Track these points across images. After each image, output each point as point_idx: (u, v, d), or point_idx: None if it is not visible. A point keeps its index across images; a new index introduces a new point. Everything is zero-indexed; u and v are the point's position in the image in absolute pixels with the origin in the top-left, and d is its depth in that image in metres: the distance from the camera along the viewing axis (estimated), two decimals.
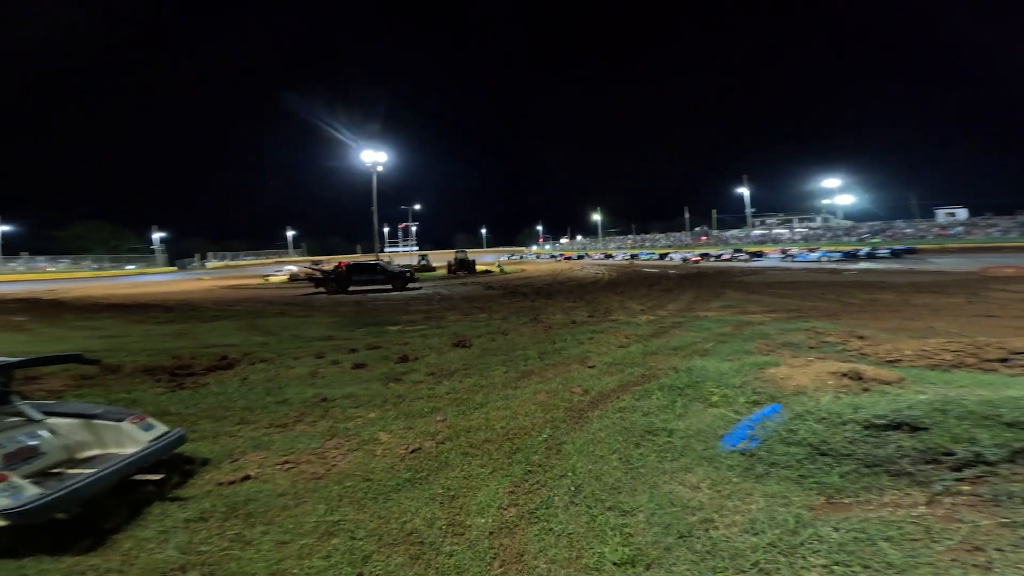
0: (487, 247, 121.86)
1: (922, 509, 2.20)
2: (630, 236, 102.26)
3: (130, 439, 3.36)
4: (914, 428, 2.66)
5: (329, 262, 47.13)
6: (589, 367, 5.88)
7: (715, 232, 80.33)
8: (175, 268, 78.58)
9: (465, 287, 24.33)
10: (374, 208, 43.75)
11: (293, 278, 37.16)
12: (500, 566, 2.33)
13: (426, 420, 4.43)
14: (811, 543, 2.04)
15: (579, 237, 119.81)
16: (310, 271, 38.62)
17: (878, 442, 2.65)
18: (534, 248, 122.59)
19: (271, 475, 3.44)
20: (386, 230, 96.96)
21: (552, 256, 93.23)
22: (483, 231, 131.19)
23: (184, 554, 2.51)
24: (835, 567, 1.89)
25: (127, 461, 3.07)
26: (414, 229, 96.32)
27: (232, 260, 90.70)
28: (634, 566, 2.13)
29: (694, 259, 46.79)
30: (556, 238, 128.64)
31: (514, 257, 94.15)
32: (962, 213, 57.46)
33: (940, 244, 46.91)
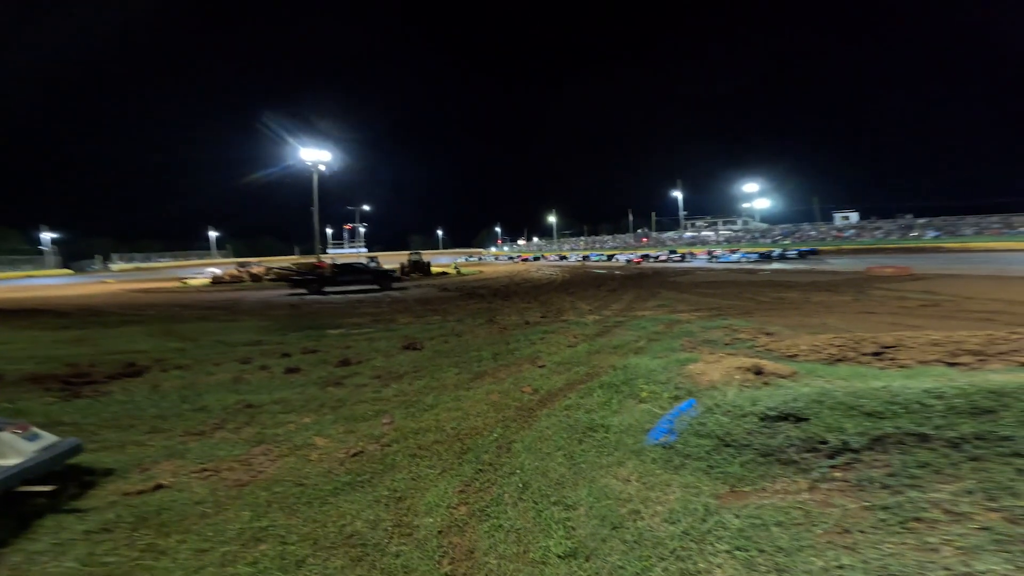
0: (444, 248, 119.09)
1: (805, 495, 2.38)
2: (582, 238, 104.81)
3: (11, 450, 2.94)
4: (798, 419, 2.87)
5: (259, 264, 44.27)
6: (539, 367, 5.96)
7: (654, 234, 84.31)
8: (70, 271, 69.88)
9: (419, 289, 23.66)
10: (314, 208, 41.66)
11: (217, 281, 34.33)
12: (450, 564, 2.31)
13: (370, 423, 4.28)
14: (716, 530, 2.19)
15: (535, 239, 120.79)
16: (238, 273, 36.09)
17: (771, 433, 2.84)
18: (492, 250, 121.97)
19: (187, 483, 3.22)
20: (329, 231, 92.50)
21: (510, 258, 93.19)
22: (439, 232, 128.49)
23: (85, 566, 2.36)
24: (736, 552, 2.03)
25: (7, 474, 2.74)
26: (362, 229, 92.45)
27: (143, 262, 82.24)
28: (576, 558, 2.20)
29: (636, 260, 48.88)
30: (514, 240, 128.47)
31: (472, 259, 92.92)
32: (854, 217, 64.14)
33: (837, 246, 52.01)
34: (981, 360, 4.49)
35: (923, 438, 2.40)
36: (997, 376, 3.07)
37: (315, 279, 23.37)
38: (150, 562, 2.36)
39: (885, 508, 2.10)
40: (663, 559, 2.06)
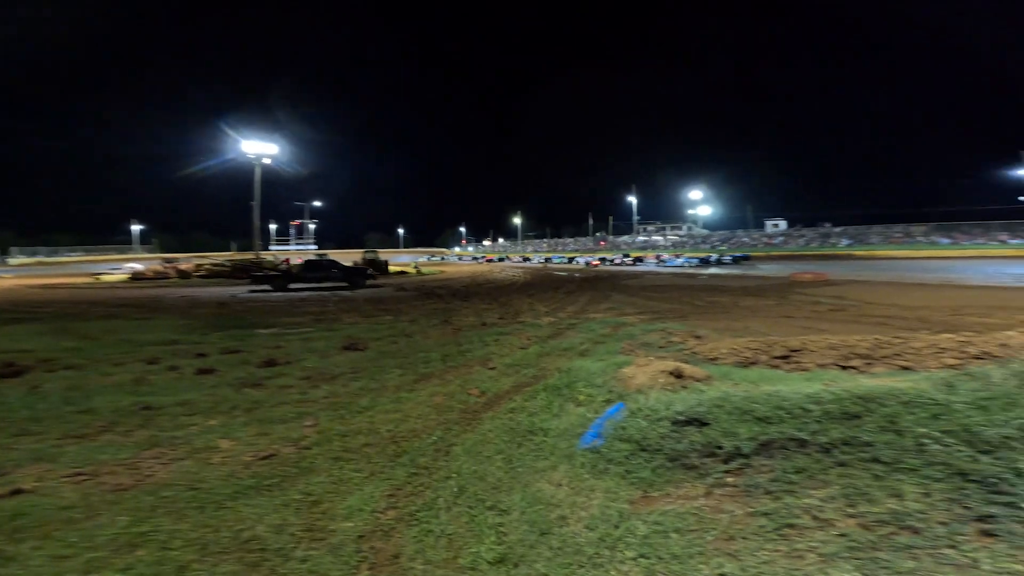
0: (405, 248, 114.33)
1: (701, 501, 2.37)
2: (546, 240, 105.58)
3: None
4: (701, 424, 2.89)
5: (189, 260, 40.87)
6: (490, 369, 5.79)
7: (611, 237, 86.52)
8: None
9: (373, 289, 22.45)
10: (255, 203, 39.31)
11: (137, 277, 31.28)
12: (369, 569, 2.14)
13: (289, 426, 3.99)
14: (626, 536, 2.17)
15: (501, 240, 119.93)
16: (163, 269, 33.15)
17: (679, 437, 2.84)
18: (456, 250, 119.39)
19: (54, 488, 2.85)
20: (273, 227, 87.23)
21: (475, 258, 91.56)
22: (400, 231, 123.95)
23: None
24: (640, 559, 2.01)
25: None
26: (312, 226, 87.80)
27: (48, 256, 73.77)
28: (504, 564, 2.12)
29: (594, 263, 49.71)
30: (479, 240, 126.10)
31: (434, 259, 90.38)
32: (783, 224, 69.17)
33: (767, 252, 55.79)
34: (868, 363, 4.74)
35: (801, 443, 2.43)
36: (869, 381, 3.19)
37: (279, 275, 22.04)
38: None
39: (766, 514, 2.10)
40: (582, 566, 2.04)
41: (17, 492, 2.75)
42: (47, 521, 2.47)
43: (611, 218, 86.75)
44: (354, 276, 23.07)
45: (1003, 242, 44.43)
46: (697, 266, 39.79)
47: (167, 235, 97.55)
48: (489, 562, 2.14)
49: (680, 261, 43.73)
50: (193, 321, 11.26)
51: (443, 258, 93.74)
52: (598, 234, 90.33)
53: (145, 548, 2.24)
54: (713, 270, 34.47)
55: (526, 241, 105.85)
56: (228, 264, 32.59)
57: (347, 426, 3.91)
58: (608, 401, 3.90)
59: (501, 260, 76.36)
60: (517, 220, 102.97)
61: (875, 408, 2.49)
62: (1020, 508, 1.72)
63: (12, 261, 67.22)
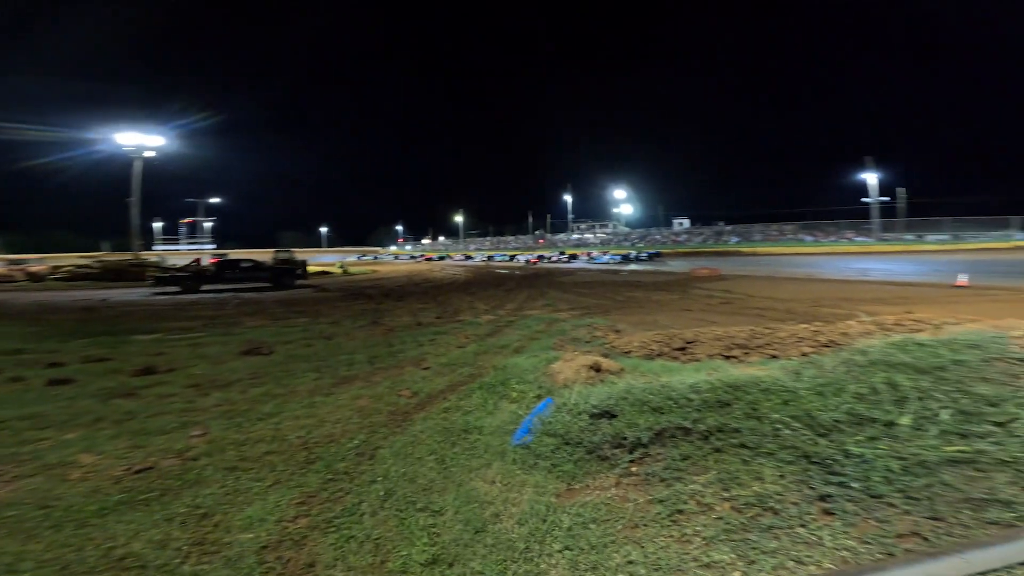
0: (329, 247, 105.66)
1: (612, 491, 2.45)
2: (488, 238, 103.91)
3: None
4: (611, 416, 3.01)
5: (42, 261, 34.41)
6: (424, 369, 5.48)
7: (549, 235, 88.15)
8: None
9: (287, 291, 20.14)
10: (132, 199, 34.41)
11: None
12: None
13: (170, 437, 3.47)
14: (553, 530, 2.19)
15: (441, 238, 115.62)
16: (7, 272, 27.54)
17: (594, 430, 2.94)
18: (392, 248, 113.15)
19: None
20: (158, 225, 76.52)
21: (412, 257, 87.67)
22: (323, 229, 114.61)
23: None
24: (565, 551, 2.04)
25: None
26: (208, 224, 78.11)
27: None
28: (438, 564, 2.02)
29: (533, 261, 50.33)
30: (417, 238, 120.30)
31: (366, 258, 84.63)
32: (687, 223, 75.23)
33: (674, 249, 60.46)
34: (746, 352, 5.20)
35: (686, 431, 2.59)
36: (738, 370, 3.50)
37: (190, 276, 19.27)
38: None
39: (661, 501, 2.21)
40: (515, 561, 2.00)
41: None
42: None
43: (549, 217, 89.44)
44: (282, 276, 21.07)
45: (850, 239, 52.99)
46: (620, 263, 41.92)
47: (16, 234, 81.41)
48: (421, 564, 1.98)
49: (607, 258, 45.85)
50: (45, 328, 9.40)
51: (376, 257, 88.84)
52: (537, 232, 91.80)
53: None
54: (633, 266, 36.47)
55: (468, 239, 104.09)
56: (97, 265, 27.99)
57: (245, 434, 3.47)
58: (539, 397, 3.90)
59: (442, 259, 74.41)
60: (459, 218, 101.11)
61: (741, 396, 2.71)
62: (851, 487, 1.90)
63: None
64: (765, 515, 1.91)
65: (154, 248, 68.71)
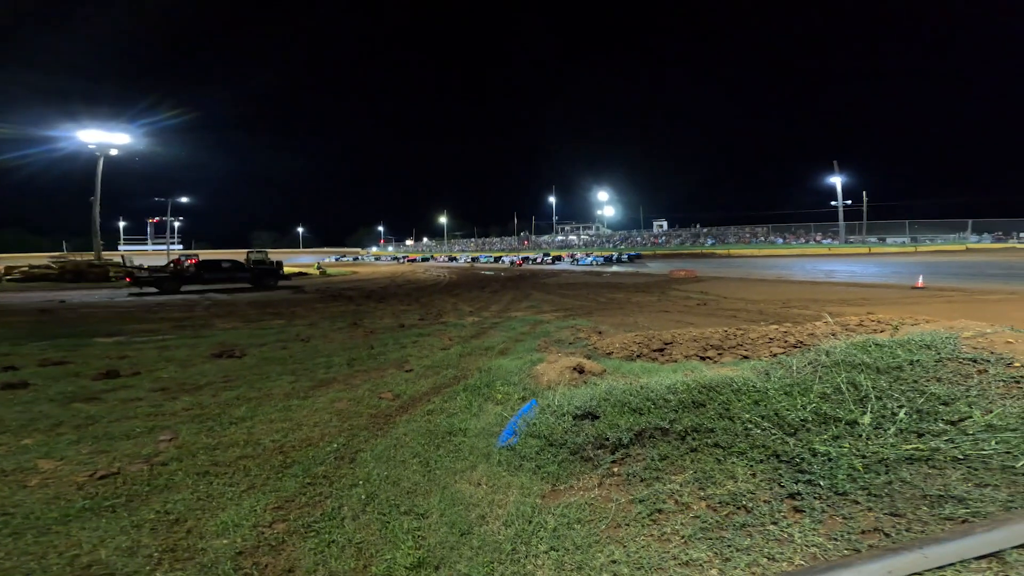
0: (306, 248, 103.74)
1: (596, 491, 2.47)
2: (472, 240, 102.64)
3: None
4: (594, 417, 3.06)
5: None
6: (407, 371, 5.38)
7: (533, 237, 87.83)
8: None
9: (262, 292, 19.66)
10: (95, 198, 32.81)
11: None
12: None
13: (137, 442, 3.32)
14: (538, 531, 2.19)
15: (425, 239, 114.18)
16: None
17: (578, 431, 2.97)
18: (374, 249, 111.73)
19: None
20: (122, 224, 73.00)
21: (395, 258, 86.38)
22: (300, 230, 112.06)
23: None
24: (551, 551, 2.05)
25: None
26: (176, 224, 74.77)
27: None
28: (424, 567, 1.99)
29: (518, 262, 50.14)
30: (401, 240, 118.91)
31: (345, 259, 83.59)
32: (665, 225, 76.53)
33: (654, 251, 61.26)
34: (719, 353, 5.33)
35: (664, 432, 2.65)
36: (711, 371, 3.60)
37: (169, 276, 18.75)
38: None
39: (641, 501, 2.24)
40: (502, 563, 2.00)
41: None
42: None
43: (534, 218, 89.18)
44: (263, 277, 20.87)
45: (819, 242, 54.89)
46: (602, 264, 42.23)
47: None
48: (407, 567, 1.94)
49: (590, 260, 45.87)
50: (4, 329, 8.86)
51: (357, 258, 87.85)
52: (522, 234, 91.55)
53: None
54: (615, 268, 36.65)
55: (453, 241, 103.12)
56: (55, 266, 26.59)
57: (216, 439, 3.35)
58: (523, 399, 3.90)
59: (425, 260, 73.71)
60: (443, 219, 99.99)
61: (715, 396, 2.79)
62: (818, 485, 1.96)
63: None
64: (739, 513, 1.95)
65: (119, 248, 65.73)
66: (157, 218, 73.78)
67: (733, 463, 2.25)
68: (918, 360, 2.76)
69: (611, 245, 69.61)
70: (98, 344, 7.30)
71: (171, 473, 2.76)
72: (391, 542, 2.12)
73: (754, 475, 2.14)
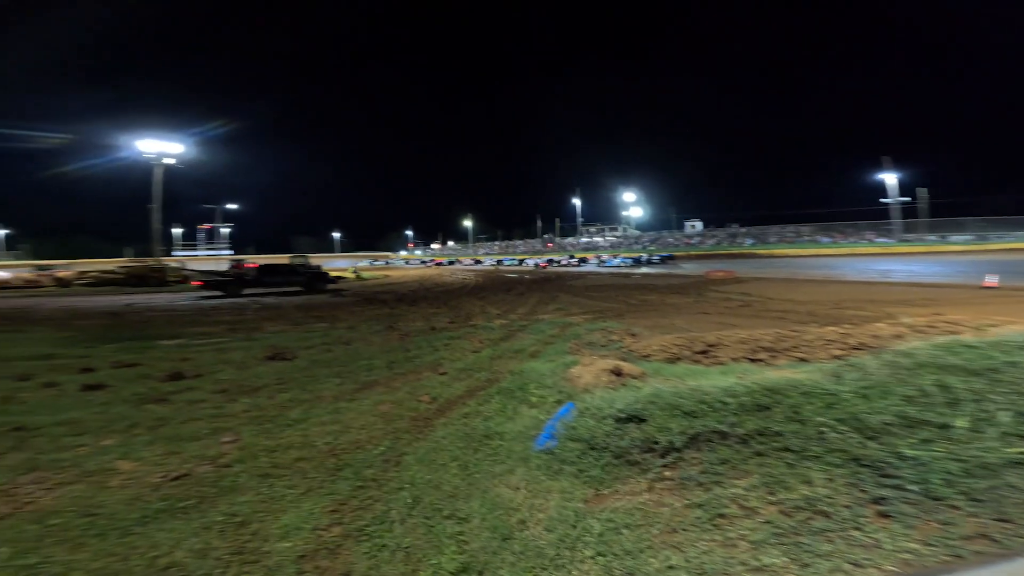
0: (342, 252, 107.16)
1: (645, 496, 2.43)
2: (497, 243, 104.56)
3: None
4: (640, 420, 2.98)
5: (69, 267, 35.56)
6: (441, 374, 5.52)
7: (558, 239, 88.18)
8: None
9: (306, 296, 20.71)
10: (152, 206, 35.31)
11: (2, 286, 26.67)
12: None
13: (203, 443, 3.53)
14: (584, 536, 2.18)
15: (451, 243, 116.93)
16: (35, 277, 28.57)
17: (621, 434, 2.91)
18: (403, 253, 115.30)
19: None
20: (177, 231, 78.28)
21: (423, 262, 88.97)
22: (335, 234, 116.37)
23: None
24: (598, 557, 2.02)
25: None
26: (225, 230, 79.61)
27: None
28: (468, 573, 2.03)
29: (543, 265, 50.61)
30: (427, 244, 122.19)
31: (378, 263, 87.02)
32: (699, 225, 74.78)
33: (687, 251, 60.10)
34: (772, 356, 5.15)
35: (723, 435, 2.56)
36: (773, 374, 3.45)
37: (232, 280, 20.27)
38: None
39: (700, 505, 2.19)
40: (545, 568, 1.99)
41: None
42: None
43: (558, 220, 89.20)
44: (314, 281, 22.09)
45: (871, 240, 51.82)
46: (631, 266, 41.78)
47: (42, 240, 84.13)
48: (451, 573, 2.00)
49: (617, 261, 45.61)
50: (76, 333, 9.69)
51: (387, 262, 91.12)
52: (546, 236, 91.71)
53: None
54: (644, 269, 36.22)
55: (477, 244, 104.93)
56: (121, 271, 28.80)
57: (275, 441, 3.53)
58: (559, 402, 3.90)
59: (451, 263, 75.21)
60: (468, 223, 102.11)
61: (781, 399, 2.67)
62: (908, 490, 1.88)
63: None
64: (816, 518, 1.89)
65: (173, 254, 70.29)
66: (208, 224, 78.28)
67: (807, 467, 2.18)
68: (1017, 361, 2.57)
69: (639, 246, 68.32)
70: (162, 347, 7.90)
71: (235, 475, 2.93)
72: (436, 547, 2.18)
73: (831, 480, 2.07)
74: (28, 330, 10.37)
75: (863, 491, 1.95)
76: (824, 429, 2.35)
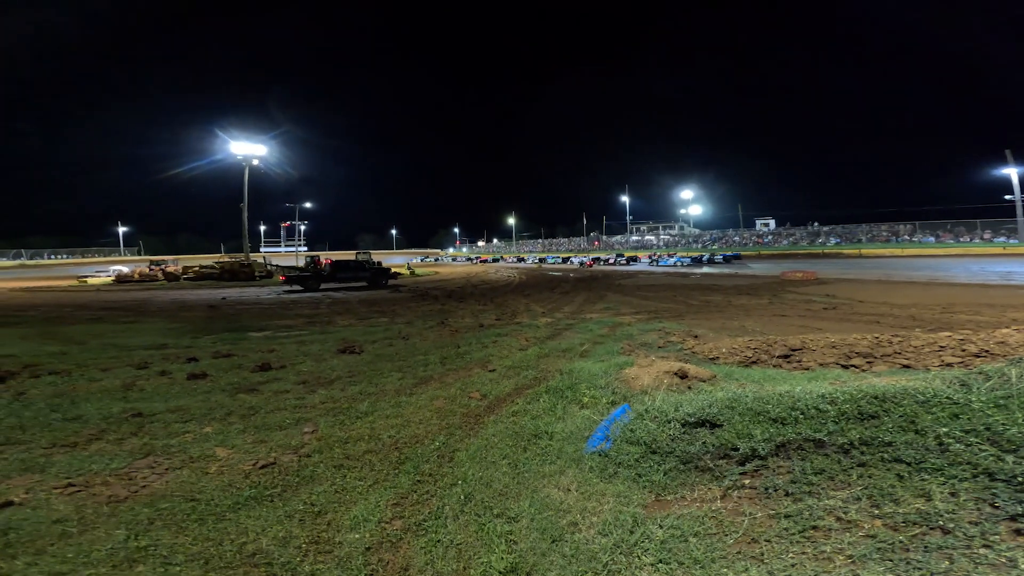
0: (398, 249, 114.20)
1: (718, 504, 2.35)
2: (540, 240, 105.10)
3: None
4: (713, 425, 2.87)
5: (176, 262, 40.35)
6: (490, 371, 5.70)
7: (604, 237, 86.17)
8: None
9: (367, 291, 22.52)
10: (243, 205, 38.82)
11: (122, 279, 30.79)
12: None
13: (287, 433, 3.87)
14: (643, 542, 2.13)
15: (495, 240, 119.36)
16: (150, 271, 32.67)
17: (690, 439, 2.83)
18: (451, 251, 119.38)
19: (45, 500, 2.73)
20: (263, 228, 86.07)
21: (469, 259, 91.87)
22: (393, 232, 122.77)
23: None
24: (659, 564, 1.98)
25: None
26: (302, 228, 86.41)
27: (30, 259, 72.29)
28: (516, 573, 2.08)
29: (588, 263, 49.68)
30: (473, 241, 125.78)
31: (428, 259, 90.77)
32: (773, 223, 69.19)
33: (757, 251, 56.25)
34: (869, 362, 4.79)
35: (819, 444, 2.42)
36: (880, 381, 3.20)
37: (311, 276, 22.58)
38: None
39: (788, 516, 2.09)
40: (597, 573, 1.99)
41: (7, 504, 2.64)
42: (40, 535, 2.35)
43: (605, 218, 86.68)
44: (377, 277, 23.95)
45: (987, 240, 45.18)
46: (690, 265, 39.82)
47: (152, 237, 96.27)
48: (500, 572, 2.08)
49: (673, 260, 43.65)
50: (182, 324, 11.06)
51: (437, 259, 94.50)
52: (592, 234, 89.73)
53: (146, 564, 2.14)
54: (705, 269, 34.51)
55: (520, 242, 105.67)
56: (217, 266, 32.16)
57: (347, 432, 3.81)
58: (613, 403, 3.88)
59: (495, 261, 76.44)
60: (511, 220, 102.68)
61: (892, 408, 2.48)
62: None
63: None
64: (932, 534, 1.78)
65: (261, 250, 77.03)
66: (288, 223, 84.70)
67: (923, 480, 2.05)
68: None
69: (699, 245, 64.38)
70: (252, 338, 8.80)
71: (314, 465, 3.18)
72: (486, 545, 2.27)
73: (954, 494, 1.93)
74: (145, 321, 11.98)
75: (995, 507, 1.81)
76: (948, 440, 2.19)
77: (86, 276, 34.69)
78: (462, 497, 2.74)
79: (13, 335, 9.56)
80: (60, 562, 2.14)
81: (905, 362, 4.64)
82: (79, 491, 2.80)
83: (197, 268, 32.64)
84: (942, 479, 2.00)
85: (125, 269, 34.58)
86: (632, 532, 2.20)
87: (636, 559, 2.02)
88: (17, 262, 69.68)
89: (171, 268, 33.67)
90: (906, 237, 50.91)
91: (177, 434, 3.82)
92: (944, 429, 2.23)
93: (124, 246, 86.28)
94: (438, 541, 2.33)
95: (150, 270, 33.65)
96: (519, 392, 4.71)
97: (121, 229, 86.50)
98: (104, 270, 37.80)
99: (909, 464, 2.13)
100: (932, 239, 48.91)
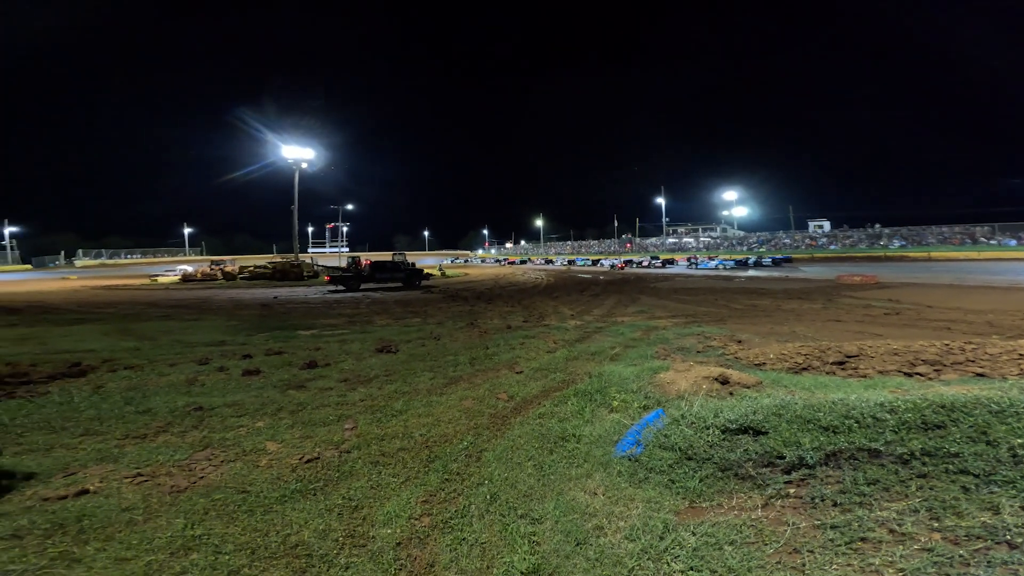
0: (429, 250, 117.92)
1: (759, 512, 2.29)
2: (568, 242, 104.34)
3: None
4: (757, 432, 2.78)
5: (233, 262, 43.10)
6: (517, 373, 5.78)
7: (637, 240, 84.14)
8: (29, 267, 66.98)
9: (402, 291, 23.42)
10: (294, 207, 40.94)
11: (187, 278, 33.20)
12: None
13: (330, 429, 4.08)
14: (673, 548, 2.10)
15: (523, 242, 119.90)
16: (210, 271, 35.05)
17: (730, 446, 2.75)
18: (479, 252, 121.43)
19: (116, 489, 2.98)
20: (310, 230, 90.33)
21: (497, 260, 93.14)
22: (426, 233, 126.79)
23: None
24: (690, 571, 1.94)
25: None
26: (345, 229, 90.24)
27: (109, 259, 79.20)
28: (539, 574, 2.10)
29: (620, 265, 48.96)
30: (502, 242, 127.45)
31: (458, 260, 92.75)
32: (827, 225, 65.12)
33: (810, 254, 53.06)
34: (937, 370, 4.50)
35: (874, 454, 2.33)
36: (948, 389, 3.03)
37: (353, 276, 23.90)
38: (61, 571, 2.16)
39: (834, 527, 2.02)
40: None
41: (83, 492, 2.88)
42: (110, 523, 2.56)
43: (638, 220, 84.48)
44: (412, 277, 25.04)
45: None
46: (733, 268, 38.30)
47: (213, 238, 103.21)
48: (523, 572, 2.11)
49: (714, 263, 41.97)
50: (239, 322, 11.83)
51: (466, 260, 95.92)
52: (624, 236, 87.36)
53: (199, 552, 2.30)
54: (751, 272, 33.18)
55: (548, 243, 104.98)
56: (270, 266, 34.03)
57: (383, 430, 3.97)
58: (645, 407, 3.84)
59: (523, 262, 76.67)
60: (539, 222, 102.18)
61: (961, 418, 2.38)
62: None
63: (78, 263, 72.79)
64: (997, 548, 1.72)
65: (308, 251, 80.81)
66: (332, 224, 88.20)
67: (992, 493, 1.98)
68: None
69: (744, 248, 61.12)
70: (301, 336, 9.31)
71: (353, 461, 3.34)
72: (509, 545, 2.32)
73: None
74: (206, 318, 12.92)
75: None
76: (1023, 452, 2.10)
77: (156, 275, 37.65)
78: (488, 497, 2.81)
79: (95, 331, 10.55)
80: (125, 548, 2.33)
81: (979, 370, 4.33)
82: (146, 481, 3.07)
83: (252, 268, 34.68)
84: (1013, 492, 1.91)
85: (190, 269, 37.24)
86: (662, 538, 2.18)
87: (665, 565, 1.99)
88: (98, 261, 76.63)
89: (229, 268, 35.93)
90: (983, 239, 46.41)
91: (232, 428, 4.09)
92: (1019, 440, 2.12)
93: (188, 246, 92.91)
94: (463, 539, 2.41)
95: (211, 270, 36.04)
96: (546, 394, 4.74)
97: (187, 230, 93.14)
98: (172, 269, 40.91)
99: (977, 476, 2.05)
100: (1013, 242, 44.34)
